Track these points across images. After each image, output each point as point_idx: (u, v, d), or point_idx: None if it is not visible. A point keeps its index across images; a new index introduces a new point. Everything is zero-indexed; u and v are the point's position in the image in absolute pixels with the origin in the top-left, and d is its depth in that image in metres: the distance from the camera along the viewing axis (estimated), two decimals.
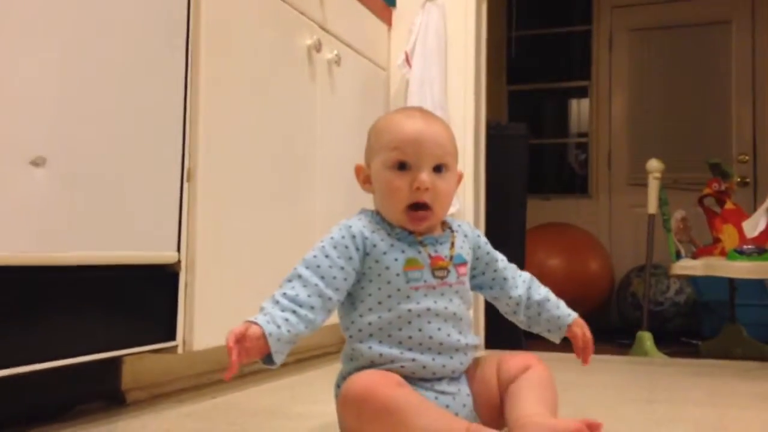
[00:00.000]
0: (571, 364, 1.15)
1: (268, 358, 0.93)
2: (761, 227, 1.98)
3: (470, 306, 1.08)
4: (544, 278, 1.21)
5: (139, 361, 1.42)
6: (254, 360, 0.93)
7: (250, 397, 1.50)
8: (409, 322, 0.99)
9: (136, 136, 1.29)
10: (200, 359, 1.59)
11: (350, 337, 1.04)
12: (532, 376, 1.00)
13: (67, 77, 1.14)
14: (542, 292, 1.13)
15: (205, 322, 1.43)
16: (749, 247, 2.75)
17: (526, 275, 1.15)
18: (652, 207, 2.91)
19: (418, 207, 1.00)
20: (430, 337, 0.99)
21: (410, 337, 0.99)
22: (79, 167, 1.16)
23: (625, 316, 3.90)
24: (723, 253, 2.85)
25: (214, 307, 1.46)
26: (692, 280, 3.57)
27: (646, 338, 2.72)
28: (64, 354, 1.15)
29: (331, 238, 1.01)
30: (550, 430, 0.90)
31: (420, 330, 0.99)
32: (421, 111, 1.08)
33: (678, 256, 2.92)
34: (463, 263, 1.06)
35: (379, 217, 1.05)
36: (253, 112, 1.64)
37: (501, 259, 1.14)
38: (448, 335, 1.01)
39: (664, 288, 3.82)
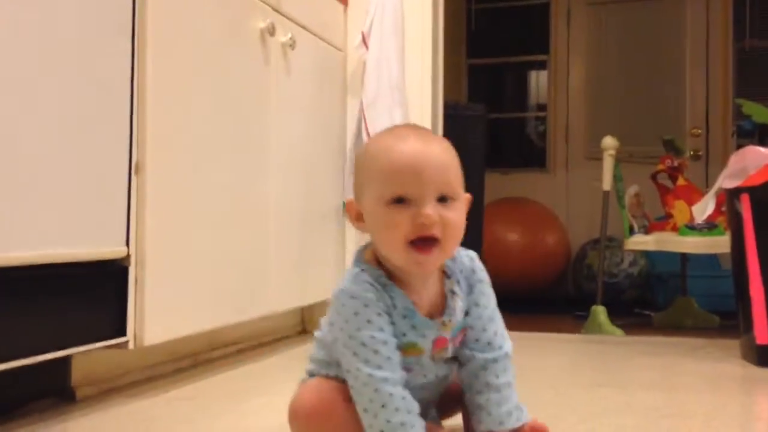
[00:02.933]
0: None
1: None
2: (709, 211, 2.02)
3: None
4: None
5: (89, 356, 1.40)
6: None
7: (204, 390, 1.49)
8: None
9: (79, 129, 1.25)
10: (152, 352, 1.57)
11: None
12: None
13: (3, 67, 1.09)
14: (501, 378, 0.94)
15: (157, 316, 1.41)
16: (699, 222, 2.81)
17: (503, 349, 0.95)
18: (607, 184, 2.95)
19: (423, 240, 0.85)
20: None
21: None
22: (21, 163, 1.12)
23: (581, 288, 3.98)
24: (675, 228, 2.91)
25: (165, 302, 1.44)
26: (646, 252, 3.65)
27: (600, 312, 2.78)
28: (11, 356, 1.12)
29: (369, 321, 0.87)
30: None
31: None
32: (415, 129, 0.91)
33: (631, 232, 2.97)
34: (462, 329, 0.95)
35: (382, 277, 0.89)
36: (205, 100, 1.60)
37: (502, 344, 0.96)
38: (428, 401, 0.97)
39: (619, 260, 3.89)
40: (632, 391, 1.52)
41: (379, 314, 0.87)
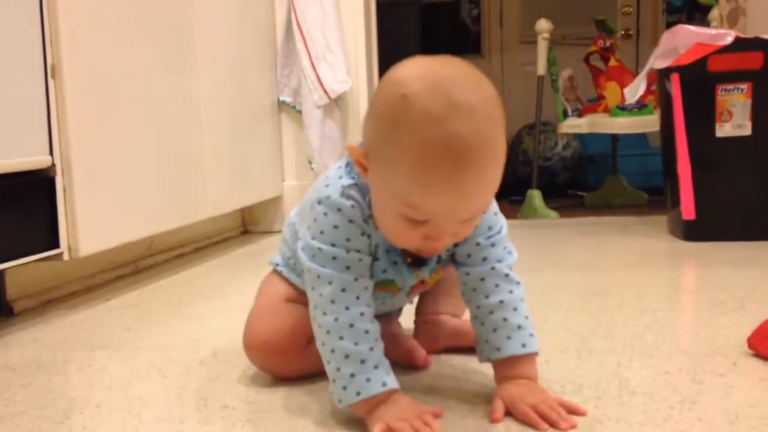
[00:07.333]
0: None
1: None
2: (641, 92, 2.05)
3: None
4: None
5: (25, 270, 1.36)
6: None
7: (146, 296, 1.48)
8: None
9: None
10: (90, 261, 1.54)
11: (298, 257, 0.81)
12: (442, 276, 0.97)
13: None
14: (491, 297, 0.80)
15: (90, 226, 1.37)
16: (630, 103, 2.86)
17: (491, 264, 0.81)
18: (541, 68, 2.94)
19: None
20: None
21: None
22: None
23: (517, 173, 4.04)
24: (606, 110, 2.96)
25: (98, 210, 1.40)
26: (578, 134, 3.72)
27: (535, 196, 2.85)
28: None
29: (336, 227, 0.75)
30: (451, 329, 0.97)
31: None
32: (471, 111, 0.67)
33: (565, 115, 3.01)
34: (445, 266, 0.87)
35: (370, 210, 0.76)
36: None
37: (498, 259, 0.81)
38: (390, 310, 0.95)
39: (553, 144, 3.96)
40: (568, 273, 1.58)
41: (363, 234, 0.76)
